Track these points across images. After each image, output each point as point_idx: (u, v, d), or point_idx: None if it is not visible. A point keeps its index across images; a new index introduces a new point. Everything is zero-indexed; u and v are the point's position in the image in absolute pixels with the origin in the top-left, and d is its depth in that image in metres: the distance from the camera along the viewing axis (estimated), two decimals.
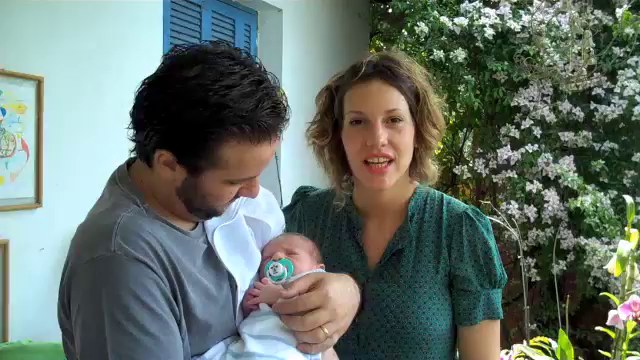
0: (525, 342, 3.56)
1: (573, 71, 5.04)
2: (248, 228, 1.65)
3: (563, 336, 3.04)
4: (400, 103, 1.77)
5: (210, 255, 1.52)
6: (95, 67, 3.64)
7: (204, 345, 1.47)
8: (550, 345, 3.48)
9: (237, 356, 1.46)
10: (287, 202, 2.29)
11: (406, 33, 5.72)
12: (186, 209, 1.48)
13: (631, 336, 3.52)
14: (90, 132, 3.60)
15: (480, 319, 1.82)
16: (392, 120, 1.77)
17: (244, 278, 1.58)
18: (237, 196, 1.50)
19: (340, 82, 1.85)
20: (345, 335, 1.58)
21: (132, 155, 1.55)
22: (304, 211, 2.05)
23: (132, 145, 1.51)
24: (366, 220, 1.92)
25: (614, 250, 4.43)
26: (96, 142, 3.61)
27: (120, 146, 3.53)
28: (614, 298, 3.69)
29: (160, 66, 1.46)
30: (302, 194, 2.10)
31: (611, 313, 3.34)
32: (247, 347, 1.46)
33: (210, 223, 1.56)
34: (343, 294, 1.56)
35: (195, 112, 1.35)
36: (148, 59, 3.77)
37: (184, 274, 1.42)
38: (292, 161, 5.27)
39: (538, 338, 3.60)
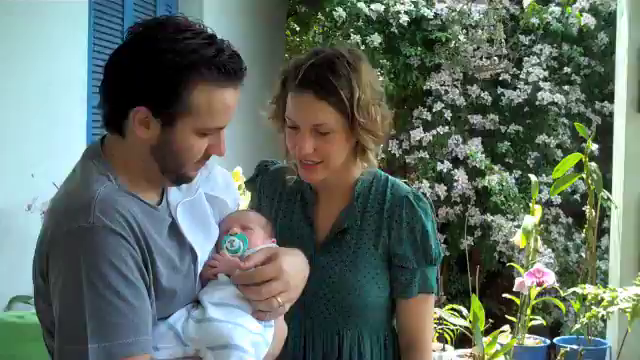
0: (438, 309, 3.81)
1: (488, 58, 5.34)
2: (207, 204, 1.77)
3: (475, 301, 3.28)
4: (328, 117, 1.84)
5: (174, 229, 1.64)
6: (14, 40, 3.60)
7: (169, 310, 1.59)
8: (461, 312, 3.74)
9: (199, 321, 1.59)
10: None
11: (323, 17, 5.89)
12: (159, 170, 1.59)
13: (534, 302, 3.82)
14: (14, 108, 3.57)
15: (415, 293, 1.96)
16: (320, 132, 1.87)
17: (204, 250, 1.70)
18: (207, 157, 1.60)
19: (289, 70, 1.93)
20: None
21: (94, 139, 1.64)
22: (264, 184, 2.14)
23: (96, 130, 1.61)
24: (318, 196, 2.03)
25: (518, 226, 4.74)
26: (22, 120, 3.59)
27: (44, 122, 3.50)
28: (519, 268, 3.98)
29: (124, 40, 1.59)
30: (263, 167, 2.18)
31: (517, 280, 3.63)
32: (208, 313, 1.59)
33: (173, 198, 1.67)
34: (295, 267, 1.70)
35: (165, 60, 1.49)
36: (72, 41, 3.83)
37: (153, 245, 1.55)
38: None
39: (449, 306, 3.86)
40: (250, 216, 1.86)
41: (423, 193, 2.07)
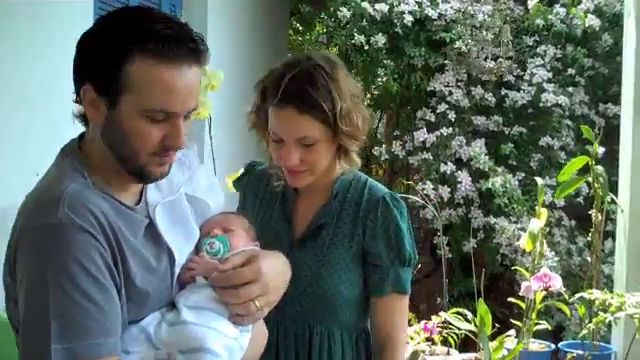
0: (443, 312, 3.78)
1: (493, 59, 5.32)
2: (188, 205, 1.72)
3: (482, 305, 3.25)
4: (312, 129, 1.90)
5: (151, 230, 1.59)
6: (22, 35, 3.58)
7: (141, 313, 1.54)
8: (466, 315, 3.71)
9: (172, 324, 1.55)
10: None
11: (327, 17, 5.87)
12: (116, 160, 1.53)
13: (539, 306, 3.79)
14: (17, 108, 3.56)
15: (388, 292, 2.01)
16: (305, 144, 1.92)
17: (182, 252, 1.65)
18: (166, 149, 1.52)
19: (268, 83, 1.95)
20: None
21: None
22: (249, 183, 2.20)
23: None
24: (297, 195, 2.09)
25: (522, 229, 4.72)
26: (26, 120, 3.57)
27: (49, 121, 3.46)
28: (524, 271, 3.95)
29: None
30: (251, 167, 2.24)
31: (524, 284, 3.60)
32: (182, 316, 1.55)
33: (152, 199, 1.62)
34: (275, 269, 1.66)
35: (108, 33, 1.48)
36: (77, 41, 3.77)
37: (125, 245, 1.50)
38: (225, 142, 5.27)
39: (454, 310, 3.83)
40: (232, 218, 1.82)
41: (404, 197, 2.11)
